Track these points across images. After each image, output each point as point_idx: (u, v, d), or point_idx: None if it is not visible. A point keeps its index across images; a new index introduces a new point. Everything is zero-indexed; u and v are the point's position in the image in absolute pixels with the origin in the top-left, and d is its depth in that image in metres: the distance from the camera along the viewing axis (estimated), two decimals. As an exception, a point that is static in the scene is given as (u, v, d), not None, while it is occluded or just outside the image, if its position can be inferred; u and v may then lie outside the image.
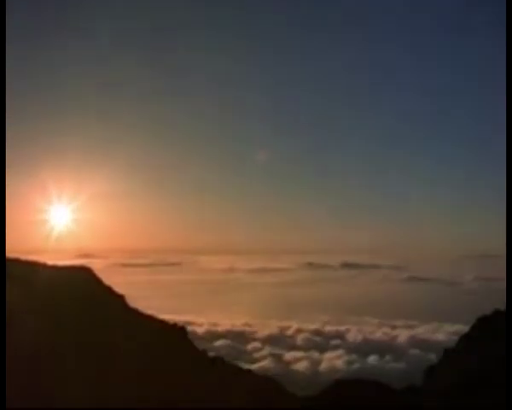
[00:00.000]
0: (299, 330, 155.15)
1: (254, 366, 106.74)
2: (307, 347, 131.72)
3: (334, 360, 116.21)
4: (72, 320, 28.02)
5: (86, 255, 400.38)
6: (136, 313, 32.48)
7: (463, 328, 39.66)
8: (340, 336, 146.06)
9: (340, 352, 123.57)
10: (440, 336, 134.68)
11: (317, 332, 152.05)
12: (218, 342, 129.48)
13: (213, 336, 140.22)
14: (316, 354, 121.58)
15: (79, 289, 30.53)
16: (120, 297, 32.80)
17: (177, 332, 33.01)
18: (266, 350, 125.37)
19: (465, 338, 34.04)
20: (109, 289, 33.04)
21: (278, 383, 35.12)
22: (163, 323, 33.12)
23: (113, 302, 31.99)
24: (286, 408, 31.13)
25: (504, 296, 29.71)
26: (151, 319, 32.71)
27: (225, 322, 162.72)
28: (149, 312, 33.94)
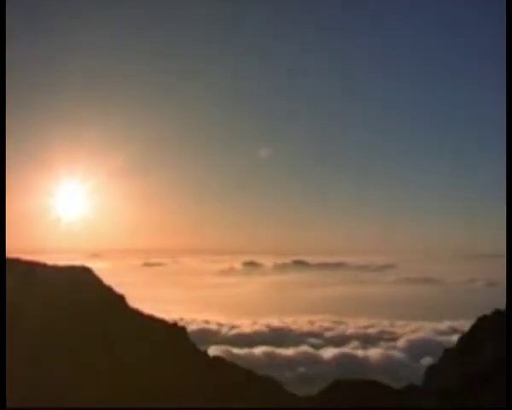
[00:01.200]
0: (329, 328, 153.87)
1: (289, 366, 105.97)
2: (343, 344, 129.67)
3: (375, 361, 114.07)
4: (73, 321, 28.05)
5: (94, 255, 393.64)
6: (136, 313, 32.50)
7: (463, 328, 39.64)
8: (380, 336, 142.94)
9: (385, 351, 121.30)
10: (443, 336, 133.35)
11: (362, 333, 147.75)
12: (253, 342, 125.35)
13: (240, 336, 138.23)
14: (356, 352, 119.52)
15: (79, 289, 30.55)
16: (120, 297, 32.82)
17: (177, 332, 33.02)
18: (303, 347, 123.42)
19: (465, 338, 34.02)
20: (109, 290, 33.06)
21: (278, 382, 35.13)
22: (163, 323, 33.13)
23: (113, 302, 32.00)
24: (286, 408, 31.12)
25: (504, 296, 29.68)
26: (151, 319, 32.72)
27: (250, 322, 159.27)
28: (149, 312, 33.93)
